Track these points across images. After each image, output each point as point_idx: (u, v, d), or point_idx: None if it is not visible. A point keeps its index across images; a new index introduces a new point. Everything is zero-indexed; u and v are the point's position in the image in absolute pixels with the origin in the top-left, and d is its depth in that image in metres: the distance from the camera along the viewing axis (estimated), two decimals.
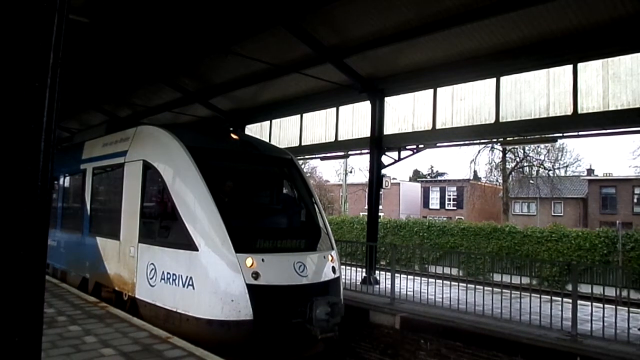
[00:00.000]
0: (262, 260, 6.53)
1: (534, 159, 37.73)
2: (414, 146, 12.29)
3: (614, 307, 7.61)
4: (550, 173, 38.59)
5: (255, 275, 6.36)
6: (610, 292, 9.81)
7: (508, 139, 12.27)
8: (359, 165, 72.75)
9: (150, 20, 11.03)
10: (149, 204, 7.59)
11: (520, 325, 7.47)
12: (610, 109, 8.88)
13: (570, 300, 7.22)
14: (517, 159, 37.65)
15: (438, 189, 49.32)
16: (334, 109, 13.97)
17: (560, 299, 7.43)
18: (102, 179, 9.34)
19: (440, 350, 7.86)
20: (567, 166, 40.79)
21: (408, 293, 9.36)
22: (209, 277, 6.43)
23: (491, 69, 10.37)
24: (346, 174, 41.15)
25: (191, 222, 6.66)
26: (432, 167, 70.67)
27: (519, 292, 7.98)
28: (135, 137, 8.22)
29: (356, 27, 10.61)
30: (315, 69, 12.01)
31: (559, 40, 9.16)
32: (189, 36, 11.78)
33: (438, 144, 12.50)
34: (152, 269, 6.99)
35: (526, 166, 38.66)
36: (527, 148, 34.94)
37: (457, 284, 10.78)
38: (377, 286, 10.63)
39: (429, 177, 62.69)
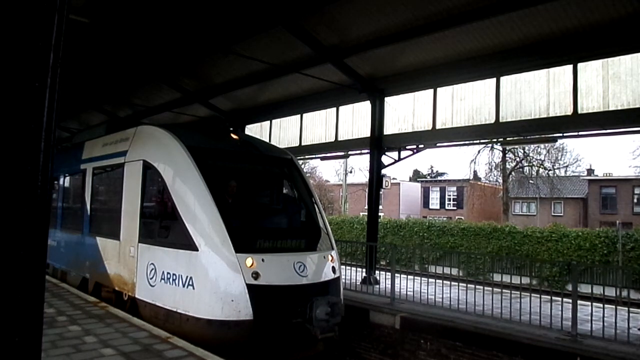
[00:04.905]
0: (262, 260, 6.53)
1: (534, 159, 37.73)
2: (414, 146, 12.29)
3: (614, 307, 7.61)
4: (550, 173, 38.57)
5: (255, 275, 6.36)
6: (610, 292, 9.82)
7: (508, 139, 12.27)
8: (359, 165, 72.89)
9: (151, 20, 11.03)
10: (149, 204, 7.59)
11: (520, 325, 7.47)
12: (610, 109, 8.88)
13: (570, 300, 7.23)
14: (517, 159, 37.65)
15: (438, 189, 49.31)
16: (334, 109, 13.97)
17: (560, 299, 7.44)
18: (102, 178, 9.34)
19: (440, 350, 7.86)
20: (567, 166, 40.83)
21: (408, 293, 9.36)
22: (209, 277, 6.43)
23: (491, 69, 10.37)
24: (346, 174, 41.15)
25: (191, 222, 6.66)
26: (432, 167, 70.78)
27: (519, 292, 7.98)
28: (135, 137, 8.22)
29: (356, 27, 10.61)
30: (315, 69, 12.01)
31: (559, 40, 9.16)
32: (189, 36, 11.78)
33: (438, 144, 12.50)
34: (152, 269, 6.99)
35: (526, 166, 38.65)
36: (527, 148, 34.91)
37: (457, 284, 10.78)
38: (377, 286, 10.63)
39: (429, 177, 62.68)
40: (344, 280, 8.55)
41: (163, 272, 6.82)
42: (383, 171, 12.52)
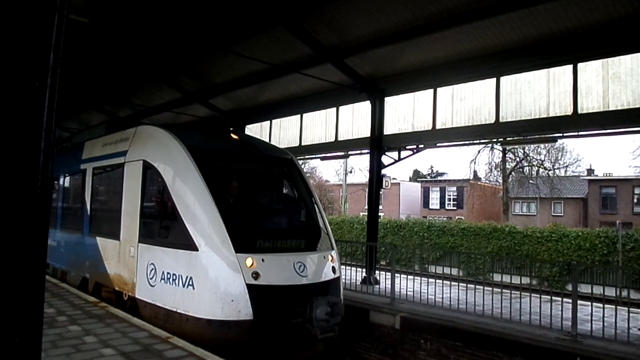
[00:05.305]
0: (262, 260, 6.53)
1: (534, 159, 37.75)
2: (414, 146, 12.29)
3: (614, 307, 7.61)
4: (550, 173, 38.57)
5: (255, 275, 6.36)
6: (610, 292, 9.82)
7: (508, 139, 12.27)
8: (359, 165, 72.92)
9: (151, 20, 11.03)
10: (149, 203, 7.59)
11: (520, 325, 7.47)
12: (610, 109, 8.88)
13: (570, 300, 7.23)
14: (517, 159, 37.66)
15: (438, 189, 49.32)
16: (334, 109, 13.97)
17: (560, 299, 7.44)
18: (102, 179, 9.34)
19: (440, 350, 7.86)
20: (567, 166, 40.84)
21: (408, 293, 9.36)
22: (209, 277, 6.43)
23: (491, 69, 10.37)
24: (346, 174, 41.15)
25: (191, 222, 6.66)
26: (432, 167, 70.78)
27: (519, 292, 7.98)
28: (135, 137, 8.21)
29: (356, 27, 10.61)
30: (315, 69, 12.01)
31: (559, 40, 9.16)
32: (189, 36, 11.78)
33: (438, 144, 12.50)
34: (152, 269, 6.99)
35: (526, 166, 38.66)
36: (527, 148, 34.92)
37: (457, 284, 10.78)
38: (377, 286, 10.63)
39: (429, 177, 62.69)
40: (344, 280, 8.54)
41: (163, 272, 6.82)
42: (383, 171, 12.52)
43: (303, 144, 14.91)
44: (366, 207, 13.77)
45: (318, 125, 14.56)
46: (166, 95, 16.72)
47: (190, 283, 6.46)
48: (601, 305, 7.11)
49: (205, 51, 12.74)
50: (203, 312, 6.31)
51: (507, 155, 36.71)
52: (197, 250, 6.49)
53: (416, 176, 62.32)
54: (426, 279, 9.83)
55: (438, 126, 11.50)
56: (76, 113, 20.51)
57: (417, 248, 23.01)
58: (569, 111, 9.38)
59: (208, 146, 7.69)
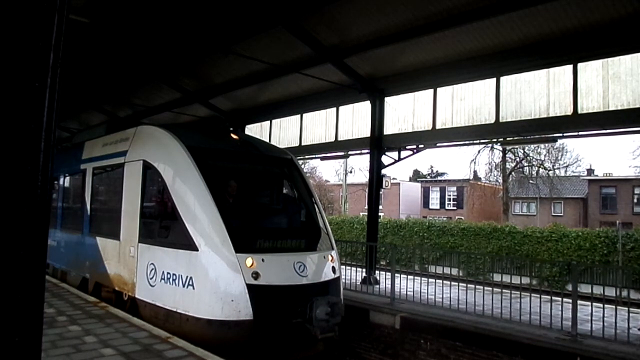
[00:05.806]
0: (262, 260, 6.53)
1: (534, 159, 37.73)
2: (414, 146, 12.29)
3: (614, 307, 7.61)
4: (550, 173, 38.55)
5: (255, 275, 6.37)
6: (610, 292, 9.82)
7: (508, 139, 12.28)
8: (359, 165, 72.96)
9: (151, 20, 11.03)
10: (149, 203, 7.59)
11: (520, 325, 7.47)
12: (610, 109, 8.88)
13: (570, 300, 7.23)
14: (517, 159, 37.66)
15: (438, 189, 49.32)
16: (334, 109, 13.97)
17: (560, 299, 7.44)
18: (102, 178, 9.34)
19: (440, 350, 7.86)
20: (567, 166, 40.83)
21: (408, 293, 9.36)
22: (209, 277, 6.43)
23: (491, 69, 10.37)
24: (346, 174, 41.15)
25: (191, 222, 6.66)
26: (432, 167, 70.78)
27: (519, 292, 7.98)
28: (135, 137, 8.22)
29: (356, 27, 10.61)
30: (315, 69, 12.01)
31: (559, 40, 9.16)
32: (189, 36, 11.78)
33: (438, 144, 12.50)
34: (152, 269, 6.99)
35: (526, 166, 38.65)
36: (527, 148, 34.91)
37: (457, 284, 10.78)
38: (377, 286, 10.62)
39: (429, 177, 62.69)
40: (344, 280, 8.54)
41: (163, 272, 6.82)
42: (383, 171, 12.52)
43: (303, 144, 14.91)
44: (366, 207, 13.77)
45: (318, 125, 14.57)
46: (166, 95, 16.72)
47: (190, 283, 6.46)
48: (601, 305, 7.11)
49: (205, 51, 12.74)
50: (203, 312, 6.31)
51: (507, 155, 36.71)
52: (197, 250, 6.50)
53: (416, 176, 62.32)
54: (426, 279, 9.83)
55: (438, 126, 11.51)
56: (76, 113, 20.51)
57: (417, 248, 23.01)
58: (569, 111, 9.38)
59: (208, 146, 7.69)
